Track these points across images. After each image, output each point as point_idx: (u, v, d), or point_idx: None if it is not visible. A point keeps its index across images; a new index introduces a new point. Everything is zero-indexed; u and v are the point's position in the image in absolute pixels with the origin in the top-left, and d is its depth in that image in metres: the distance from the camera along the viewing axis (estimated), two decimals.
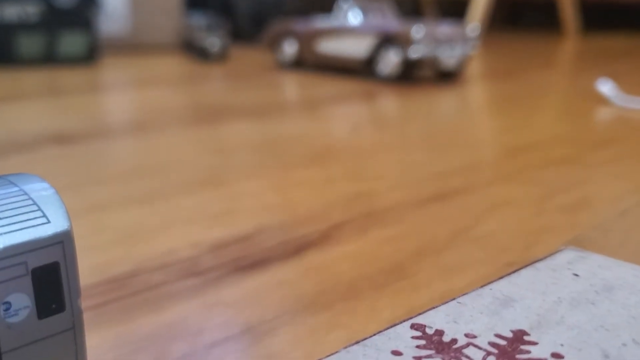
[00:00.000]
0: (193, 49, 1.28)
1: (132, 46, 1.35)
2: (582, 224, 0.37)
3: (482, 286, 0.17)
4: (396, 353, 0.14)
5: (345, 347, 0.14)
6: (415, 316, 0.15)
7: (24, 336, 0.14)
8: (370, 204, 0.40)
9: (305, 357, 0.23)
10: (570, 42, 1.73)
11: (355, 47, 0.99)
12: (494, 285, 0.17)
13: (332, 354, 0.14)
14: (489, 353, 0.14)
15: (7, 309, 0.14)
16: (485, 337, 0.15)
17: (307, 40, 1.07)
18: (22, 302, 0.14)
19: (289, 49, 1.10)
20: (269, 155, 0.54)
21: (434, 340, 0.14)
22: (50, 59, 1.11)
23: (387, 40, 0.95)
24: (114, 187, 0.44)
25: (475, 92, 0.96)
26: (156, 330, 0.25)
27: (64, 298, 0.15)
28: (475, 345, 0.14)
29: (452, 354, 0.14)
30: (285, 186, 0.45)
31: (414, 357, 0.14)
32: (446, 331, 0.15)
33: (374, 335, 0.14)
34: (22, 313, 0.14)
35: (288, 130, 0.64)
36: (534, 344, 0.15)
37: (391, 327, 0.15)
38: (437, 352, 0.14)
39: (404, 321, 0.15)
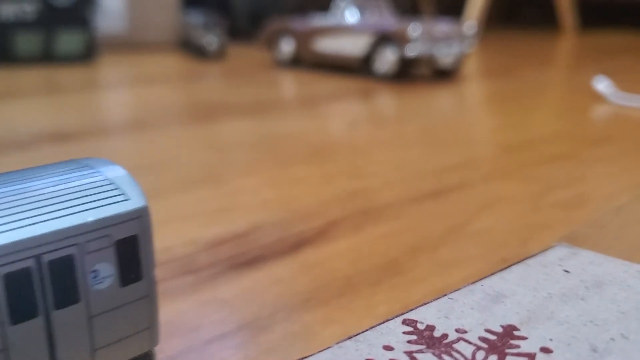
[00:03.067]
0: (190, 47, 1.28)
1: (129, 44, 1.35)
2: (578, 220, 0.37)
3: (473, 282, 0.17)
4: (388, 348, 0.14)
5: (338, 343, 0.14)
6: (407, 312, 0.15)
7: (108, 302, 0.16)
8: (366, 200, 0.41)
9: (301, 353, 0.24)
10: (567, 40, 1.73)
11: (353, 46, 1.00)
12: (485, 281, 0.17)
13: (325, 349, 0.14)
14: (478, 348, 0.14)
15: (95, 277, 0.15)
16: (475, 332, 0.15)
17: (304, 38, 1.07)
18: (107, 271, 0.16)
19: (287, 47, 1.11)
20: (266, 152, 0.55)
21: (425, 336, 0.15)
22: (47, 57, 1.11)
23: (384, 39, 0.95)
24: None
25: (472, 89, 0.96)
26: None
27: (142, 268, 0.16)
28: (466, 340, 0.15)
29: (443, 349, 0.14)
30: (282, 183, 0.45)
31: (405, 352, 0.14)
32: (437, 326, 0.15)
33: (366, 330, 0.15)
34: (107, 281, 0.16)
35: (285, 127, 0.64)
36: (524, 338, 0.15)
37: (383, 322, 0.15)
38: (428, 347, 0.14)
39: (396, 317, 0.15)
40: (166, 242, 0.34)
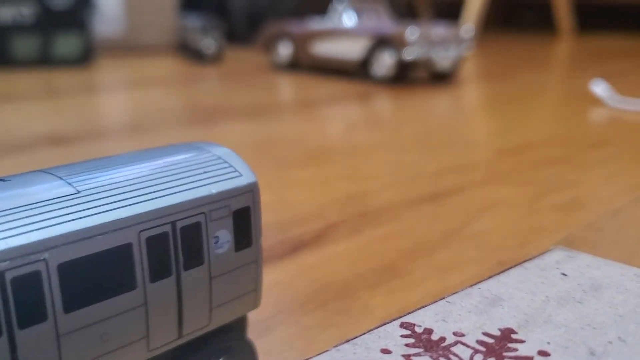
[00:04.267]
0: (188, 50, 1.28)
1: (127, 47, 1.35)
2: (575, 223, 0.38)
3: (471, 285, 0.17)
4: (385, 351, 0.14)
5: (336, 346, 0.14)
6: (405, 315, 0.15)
7: (225, 265, 0.18)
8: (364, 203, 0.41)
9: (299, 356, 0.24)
10: (565, 43, 1.74)
11: (350, 49, 1.00)
12: (483, 285, 0.17)
13: (323, 352, 0.14)
14: (476, 351, 0.14)
15: (216, 242, 0.17)
16: (473, 335, 0.15)
17: (302, 41, 1.07)
18: (225, 237, 0.18)
19: (284, 50, 1.11)
20: (264, 155, 0.55)
21: (423, 339, 0.15)
22: (45, 60, 1.11)
23: (381, 42, 0.95)
24: None
25: (470, 93, 0.97)
26: None
27: (252, 236, 0.18)
28: (463, 344, 0.15)
29: (441, 352, 0.14)
30: (280, 186, 0.45)
31: (403, 355, 0.14)
32: (435, 330, 0.15)
33: (364, 334, 0.15)
34: (225, 246, 0.18)
35: (283, 130, 0.64)
36: (521, 342, 0.15)
37: (381, 325, 0.15)
38: (426, 350, 0.14)
39: (394, 320, 0.15)
40: None
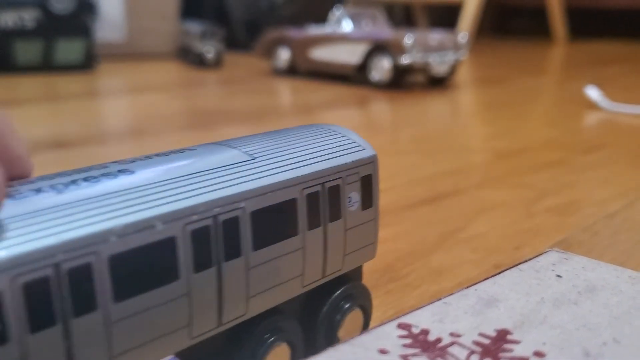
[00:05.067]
0: (188, 56, 1.28)
1: (128, 53, 1.35)
2: (570, 226, 0.38)
3: (467, 287, 0.18)
4: (383, 352, 0.14)
5: (334, 346, 0.14)
6: (402, 316, 0.16)
7: (355, 220, 0.22)
8: None
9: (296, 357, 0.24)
10: (559, 49, 1.74)
11: (348, 54, 1.00)
12: (479, 286, 0.18)
13: (321, 353, 0.14)
14: (472, 351, 0.15)
15: (349, 201, 0.21)
16: (469, 336, 0.15)
17: (300, 47, 1.08)
18: (356, 198, 0.21)
19: (283, 55, 1.11)
20: None
21: (420, 339, 0.15)
22: (47, 65, 1.11)
23: (379, 47, 0.96)
24: None
25: (466, 97, 0.97)
26: None
27: (373, 198, 0.22)
28: (460, 344, 0.15)
29: (437, 352, 0.14)
30: None
31: (400, 356, 0.14)
32: (431, 330, 0.15)
33: (362, 334, 0.15)
34: (355, 205, 0.21)
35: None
36: (517, 342, 0.15)
37: (378, 326, 0.15)
38: (423, 350, 0.15)
39: (391, 320, 0.15)
40: None
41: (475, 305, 0.17)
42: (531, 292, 0.18)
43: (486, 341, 0.15)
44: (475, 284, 0.18)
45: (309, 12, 1.52)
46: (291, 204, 0.19)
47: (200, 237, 0.17)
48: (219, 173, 0.18)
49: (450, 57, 0.97)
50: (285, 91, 1.01)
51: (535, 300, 0.17)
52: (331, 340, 0.22)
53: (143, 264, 0.15)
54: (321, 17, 1.25)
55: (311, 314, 0.22)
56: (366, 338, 0.15)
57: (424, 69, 0.95)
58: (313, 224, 0.20)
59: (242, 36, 1.55)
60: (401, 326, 0.15)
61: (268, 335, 0.20)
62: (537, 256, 0.20)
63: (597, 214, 0.40)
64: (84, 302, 0.14)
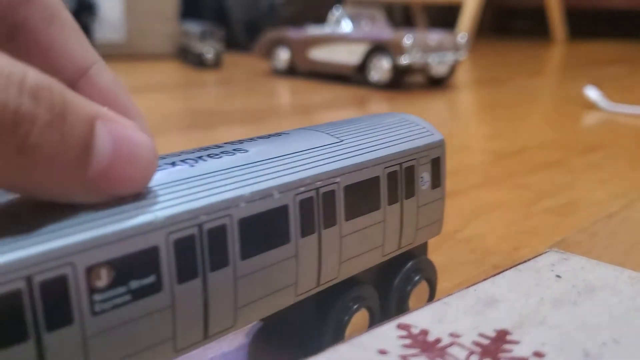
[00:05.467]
0: (188, 56, 1.28)
1: (127, 53, 1.35)
2: (570, 226, 0.38)
3: (466, 287, 0.18)
4: (383, 352, 0.14)
5: (333, 347, 0.14)
6: (401, 316, 0.16)
7: (426, 198, 0.24)
8: None
9: (294, 357, 0.24)
10: (558, 49, 1.75)
11: (348, 54, 1.00)
12: (479, 287, 0.18)
13: (320, 353, 0.14)
14: (472, 352, 0.15)
15: (421, 181, 0.23)
16: (469, 336, 0.15)
17: (300, 47, 1.08)
18: (427, 178, 0.24)
19: (283, 56, 1.11)
20: None
21: (419, 340, 0.15)
22: None
23: (378, 48, 0.96)
24: None
25: (465, 98, 0.97)
26: None
27: (441, 178, 0.25)
28: (459, 344, 0.15)
29: (437, 353, 0.14)
30: None
31: (400, 356, 0.14)
32: (431, 331, 0.15)
33: (362, 335, 0.15)
34: (426, 184, 0.24)
35: None
36: (517, 343, 0.15)
37: (378, 326, 0.15)
38: (422, 350, 0.15)
39: (391, 321, 0.15)
40: None
41: (474, 306, 0.17)
42: (530, 292, 0.18)
43: (485, 341, 0.15)
44: (475, 284, 0.18)
45: (309, 12, 1.52)
46: (375, 181, 0.22)
47: (306, 206, 0.19)
48: (316, 152, 0.20)
49: (449, 58, 0.97)
50: (285, 91, 1.01)
51: (535, 300, 0.17)
52: (402, 308, 0.24)
53: (263, 227, 0.18)
54: (320, 18, 1.25)
55: (385, 284, 0.24)
56: (366, 338, 0.15)
57: (423, 69, 0.96)
58: (392, 200, 0.22)
59: (242, 36, 1.55)
60: (401, 326, 0.15)
61: (351, 303, 0.22)
62: (536, 257, 0.20)
63: (596, 215, 0.40)
64: (219, 258, 0.17)
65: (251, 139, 0.21)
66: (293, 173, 0.19)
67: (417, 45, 0.93)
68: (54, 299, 0.14)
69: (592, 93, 0.80)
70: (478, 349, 0.15)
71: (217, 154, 0.18)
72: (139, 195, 0.15)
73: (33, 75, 0.13)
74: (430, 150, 0.24)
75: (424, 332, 0.15)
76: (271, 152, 0.19)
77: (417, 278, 0.25)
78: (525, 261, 0.20)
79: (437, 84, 1.00)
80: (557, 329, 0.16)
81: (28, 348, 0.13)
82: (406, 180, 0.23)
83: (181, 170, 0.17)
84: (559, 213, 0.41)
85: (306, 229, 0.19)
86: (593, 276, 0.19)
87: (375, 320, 0.23)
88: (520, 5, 2.21)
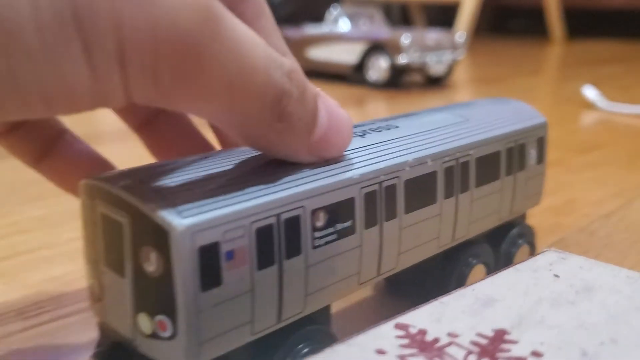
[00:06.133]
0: None
1: None
2: (567, 226, 0.38)
3: (464, 287, 0.18)
4: (380, 352, 0.14)
5: (331, 346, 0.14)
6: (399, 316, 0.16)
7: (532, 172, 0.28)
8: None
9: None
10: (556, 48, 1.75)
11: (345, 54, 1.00)
12: (477, 286, 0.18)
13: (318, 353, 0.14)
14: (470, 352, 0.15)
15: (530, 156, 0.27)
16: (467, 336, 0.15)
17: (297, 46, 1.07)
18: (533, 154, 0.28)
19: None
20: None
21: (417, 340, 0.15)
22: None
23: (376, 47, 0.96)
24: None
25: (463, 97, 0.97)
26: None
27: (544, 156, 0.28)
28: (457, 344, 0.15)
29: (435, 353, 0.14)
30: None
31: (398, 356, 0.14)
32: (429, 330, 0.15)
33: (359, 334, 0.15)
34: (533, 160, 0.27)
35: None
36: (515, 342, 0.15)
37: (376, 326, 0.15)
38: (420, 350, 0.14)
39: (388, 321, 0.15)
40: None
41: (472, 305, 0.17)
42: (529, 292, 0.18)
43: (484, 341, 0.15)
44: (473, 284, 0.18)
45: (306, 11, 1.52)
46: (497, 155, 0.25)
47: (449, 173, 0.23)
48: (452, 129, 0.24)
49: (447, 57, 0.97)
50: None
51: (533, 300, 0.17)
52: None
53: (419, 188, 0.22)
54: (318, 17, 1.25)
55: (494, 246, 0.28)
56: (363, 338, 0.15)
57: (421, 68, 0.95)
58: (509, 171, 0.26)
59: None
60: (398, 326, 0.15)
61: (471, 258, 0.26)
62: (534, 256, 0.20)
63: (594, 214, 0.40)
64: (391, 210, 0.21)
65: (394, 117, 0.25)
66: (439, 145, 0.23)
67: (415, 45, 0.93)
68: (291, 233, 0.17)
69: (590, 92, 0.80)
70: (476, 349, 0.15)
71: (376, 129, 0.23)
72: (339, 158, 0.20)
73: (286, 61, 0.17)
74: (537, 130, 0.27)
75: (422, 332, 0.15)
76: (418, 128, 0.23)
77: (520, 241, 0.29)
78: (523, 260, 0.20)
79: (435, 83, 1.00)
80: (555, 329, 0.16)
81: (274, 271, 0.17)
82: (519, 155, 0.26)
83: (356, 140, 0.21)
84: (557, 212, 0.41)
85: (448, 192, 0.23)
86: (591, 276, 0.19)
87: (490, 272, 0.27)
88: (518, 4, 2.22)
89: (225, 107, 0.15)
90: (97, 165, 0.24)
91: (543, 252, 0.20)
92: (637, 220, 0.39)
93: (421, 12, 2.14)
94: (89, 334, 0.25)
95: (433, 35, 0.97)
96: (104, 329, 0.19)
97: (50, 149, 0.23)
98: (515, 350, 0.15)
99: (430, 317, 0.16)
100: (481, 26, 1.98)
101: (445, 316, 0.16)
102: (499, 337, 0.15)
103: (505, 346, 0.15)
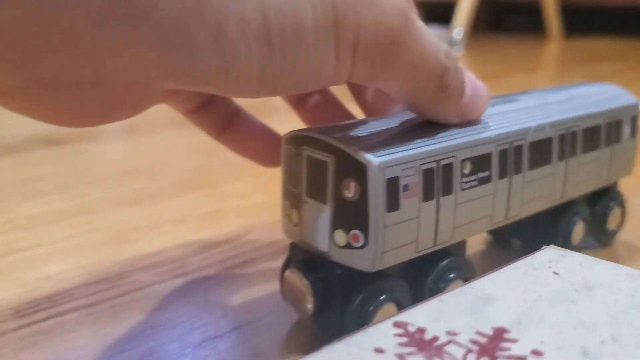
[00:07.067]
0: None
1: None
2: None
3: (464, 284, 0.17)
4: (379, 350, 0.14)
5: (329, 345, 0.14)
6: (398, 314, 0.15)
7: (626, 146, 0.31)
8: None
9: (291, 356, 0.24)
10: (554, 45, 1.75)
11: None
12: (476, 284, 0.17)
13: (316, 352, 0.14)
14: (469, 350, 0.14)
15: (624, 131, 0.31)
16: (466, 334, 0.15)
17: None
18: (627, 130, 0.31)
19: None
20: None
21: (416, 338, 0.15)
22: None
23: None
24: (104, 188, 0.44)
25: None
26: (145, 330, 0.25)
27: (635, 132, 0.32)
28: (456, 343, 0.15)
29: (434, 351, 0.14)
30: (274, 186, 0.45)
31: (397, 355, 0.14)
32: (428, 329, 0.15)
33: (357, 333, 0.15)
34: (626, 135, 0.31)
35: (278, 130, 0.64)
36: (514, 341, 0.15)
37: (374, 325, 0.15)
38: (419, 349, 0.14)
39: (387, 319, 0.15)
40: (158, 245, 0.34)
41: (471, 303, 0.17)
42: (528, 289, 0.18)
43: (483, 340, 0.15)
44: (472, 281, 0.18)
45: None
46: (598, 128, 0.29)
47: (561, 140, 0.27)
48: (563, 103, 0.28)
49: None
50: None
51: (533, 298, 0.17)
52: (603, 228, 0.32)
53: (539, 150, 0.26)
54: None
55: (591, 208, 0.31)
56: (362, 337, 0.15)
57: None
58: (607, 143, 0.30)
59: None
60: (397, 324, 0.15)
61: (576, 217, 0.30)
62: (534, 253, 0.20)
63: None
64: (518, 166, 0.25)
65: (511, 95, 0.29)
66: (555, 116, 0.27)
67: None
68: (446, 176, 0.22)
69: None
70: (475, 347, 0.15)
71: (499, 102, 0.27)
72: (479, 121, 0.24)
73: (444, 45, 0.22)
74: (631, 109, 0.31)
75: (421, 330, 0.15)
76: (535, 102, 0.28)
77: (612, 204, 0.32)
78: (522, 258, 0.20)
79: None
80: (555, 328, 0.16)
81: (433, 204, 0.22)
82: (616, 130, 0.30)
83: (488, 109, 0.25)
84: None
85: (560, 156, 0.27)
86: (591, 274, 0.19)
87: (588, 229, 0.31)
88: (516, 1, 2.21)
89: (407, 82, 0.21)
90: (267, 135, 0.29)
91: (543, 249, 0.20)
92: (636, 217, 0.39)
93: (419, 8, 2.13)
94: (85, 333, 0.25)
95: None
96: (294, 249, 0.24)
97: (230, 124, 0.28)
98: (515, 349, 0.15)
99: (429, 315, 0.16)
100: (479, 23, 1.97)
101: (444, 314, 0.16)
102: (499, 335, 0.15)
103: (505, 345, 0.15)
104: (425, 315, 0.16)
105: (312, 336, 0.25)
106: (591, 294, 0.18)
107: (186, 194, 0.43)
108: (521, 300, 0.17)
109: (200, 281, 0.30)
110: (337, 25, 0.18)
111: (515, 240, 0.32)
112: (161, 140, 0.61)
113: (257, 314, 0.27)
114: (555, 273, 0.19)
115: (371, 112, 0.29)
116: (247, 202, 0.42)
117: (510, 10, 2.36)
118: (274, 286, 0.29)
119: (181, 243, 0.34)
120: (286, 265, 0.25)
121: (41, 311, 0.27)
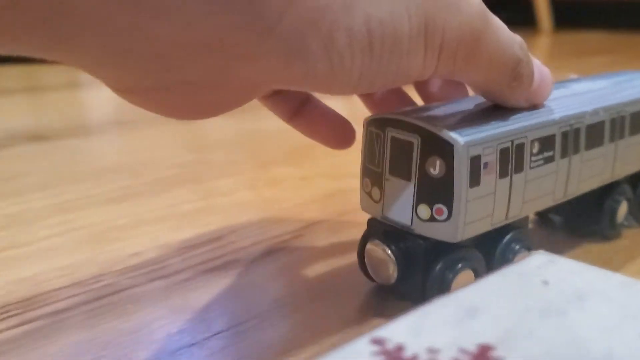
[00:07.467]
0: None
1: None
2: None
3: (446, 295, 0.16)
4: None
5: None
6: (376, 329, 0.15)
7: None
8: (345, 202, 0.40)
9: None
10: (544, 39, 1.74)
11: None
12: (460, 294, 0.16)
13: None
14: None
15: None
16: (448, 352, 0.14)
17: None
18: None
19: None
20: (244, 152, 0.54)
21: (394, 356, 0.14)
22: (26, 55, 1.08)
23: None
24: (85, 185, 0.43)
25: None
26: (120, 337, 0.24)
27: None
28: None
29: None
30: (259, 184, 0.44)
31: None
32: (407, 346, 0.14)
33: (332, 351, 0.14)
34: None
35: (265, 127, 0.63)
36: (501, 359, 0.14)
37: (350, 342, 0.14)
38: None
39: (364, 335, 0.14)
40: (137, 246, 0.33)
41: (455, 315, 0.16)
42: (516, 300, 0.17)
43: (466, 358, 0.14)
44: (455, 292, 0.17)
45: None
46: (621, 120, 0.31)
47: (613, 123, 0.29)
48: (610, 89, 0.31)
49: None
50: None
51: (520, 309, 0.16)
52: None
53: (594, 133, 0.28)
54: None
55: (634, 188, 0.33)
56: (337, 355, 0.14)
57: None
58: None
59: None
60: (375, 341, 0.14)
61: (620, 197, 0.32)
62: (522, 259, 0.19)
63: None
64: (575, 146, 0.27)
65: (565, 81, 0.32)
66: (605, 101, 0.29)
67: None
68: (519, 155, 0.24)
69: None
70: None
71: (558, 88, 0.29)
72: (543, 105, 0.26)
73: (517, 37, 0.24)
74: None
75: (400, 348, 0.14)
76: (588, 88, 0.30)
77: None
78: (510, 264, 0.19)
79: None
80: (545, 343, 0.15)
81: (507, 181, 0.24)
82: None
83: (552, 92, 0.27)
84: None
85: (611, 138, 0.29)
86: (582, 282, 0.18)
87: (632, 208, 0.33)
88: None
89: (483, 74, 0.23)
90: (336, 119, 0.31)
91: (531, 254, 0.19)
92: None
93: None
94: (58, 340, 0.24)
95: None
96: (373, 224, 0.26)
97: (301, 108, 0.30)
98: None
99: (409, 330, 0.15)
100: None
101: (425, 329, 0.15)
102: (483, 353, 0.14)
103: None
104: (405, 330, 0.15)
105: (293, 344, 0.24)
106: (582, 304, 0.17)
107: (169, 192, 0.42)
108: (508, 312, 0.16)
109: (179, 284, 0.29)
110: (427, 32, 0.20)
111: (558, 217, 0.34)
112: (148, 136, 0.59)
113: (238, 320, 0.26)
114: (544, 282, 0.18)
115: (432, 99, 0.30)
116: (231, 200, 0.41)
117: (501, 4, 2.34)
118: (256, 288, 0.28)
119: (161, 243, 0.33)
120: (365, 239, 0.26)
121: (12, 317, 0.26)
